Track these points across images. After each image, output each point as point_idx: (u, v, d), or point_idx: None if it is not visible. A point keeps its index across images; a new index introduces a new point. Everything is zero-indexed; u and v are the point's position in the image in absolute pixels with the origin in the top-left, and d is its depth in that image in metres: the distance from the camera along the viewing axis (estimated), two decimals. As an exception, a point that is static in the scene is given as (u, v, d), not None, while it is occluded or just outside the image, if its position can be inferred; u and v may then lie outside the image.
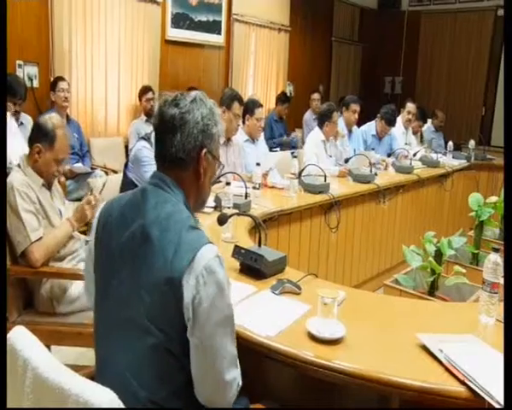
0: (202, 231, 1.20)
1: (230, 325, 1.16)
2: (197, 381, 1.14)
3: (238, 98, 3.44)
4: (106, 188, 2.82)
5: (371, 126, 4.93)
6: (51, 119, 2.12)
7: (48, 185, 2.16)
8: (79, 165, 4.09)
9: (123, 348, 1.15)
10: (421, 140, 5.87)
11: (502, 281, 1.54)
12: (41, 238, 2.01)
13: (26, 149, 2.16)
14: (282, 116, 6.31)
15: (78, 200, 3.58)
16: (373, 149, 4.47)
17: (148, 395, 1.12)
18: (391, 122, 4.77)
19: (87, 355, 2.25)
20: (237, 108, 3.41)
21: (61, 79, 4.21)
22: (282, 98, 6.26)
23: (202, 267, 1.09)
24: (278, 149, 5.51)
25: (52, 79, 4.33)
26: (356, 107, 4.57)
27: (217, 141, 1.27)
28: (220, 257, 1.14)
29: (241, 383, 1.20)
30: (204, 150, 1.23)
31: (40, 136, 2.08)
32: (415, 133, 5.61)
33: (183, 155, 1.21)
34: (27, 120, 3.71)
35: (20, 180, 2.02)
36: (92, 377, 1.23)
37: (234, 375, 1.16)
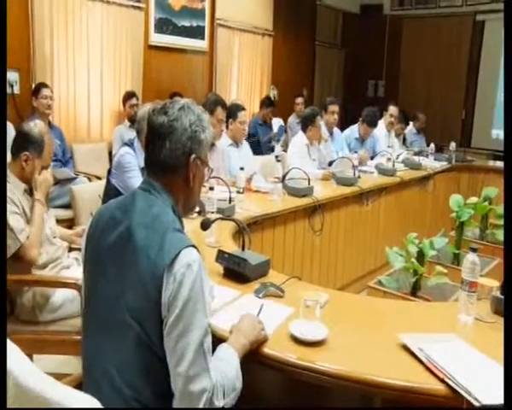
0: (186, 235, 1.23)
1: (202, 332, 1.14)
2: (172, 385, 1.15)
3: (221, 103, 3.45)
4: (90, 194, 2.80)
5: (354, 130, 4.99)
6: (37, 126, 2.13)
7: (30, 192, 2.15)
8: (63, 169, 4.03)
9: (109, 347, 1.18)
10: (404, 142, 5.95)
11: (480, 280, 1.58)
12: (28, 237, 2.02)
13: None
14: (267, 120, 6.34)
15: (62, 207, 3.57)
16: (356, 151, 4.52)
17: (132, 394, 1.14)
18: (372, 123, 4.85)
19: (70, 363, 2.24)
20: (220, 113, 3.43)
21: (43, 85, 4.14)
22: (266, 102, 6.29)
23: (182, 267, 1.13)
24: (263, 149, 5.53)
25: (34, 85, 4.29)
26: (334, 108, 4.61)
27: (205, 146, 1.32)
28: (201, 263, 1.17)
29: (218, 404, 1.14)
30: (193, 156, 1.27)
31: (28, 144, 2.09)
32: (397, 136, 5.68)
33: (172, 161, 1.25)
34: (9, 128, 3.65)
35: None
36: (75, 385, 1.23)
37: (202, 386, 1.12)
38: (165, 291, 1.12)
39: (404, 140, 5.99)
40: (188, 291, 1.12)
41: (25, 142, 2.09)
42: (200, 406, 1.12)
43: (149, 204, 1.23)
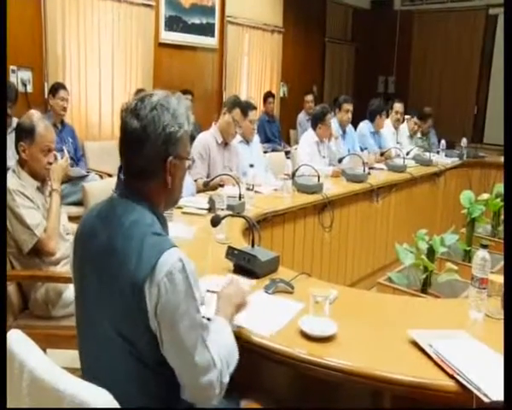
0: (166, 236, 1.20)
1: (198, 329, 1.14)
2: (180, 382, 1.16)
3: (241, 107, 3.47)
4: (102, 191, 2.83)
5: (370, 124, 4.97)
6: (29, 116, 2.15)
7: (42, 188, 2.18)
8: (74, 168, 4.08)
9: (99, 358, 1.19)
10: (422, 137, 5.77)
11: (490, 277, 1.57)
12: (45, 230, 2.06)
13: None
14: (270, 113, 6.32)
15: (74, 204, 3.61)
16: (366, 148, 4.52)
17: (127, 405, 1.12)
18: (381, 111, 4.94)
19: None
20: (238, 114, 3.44)
21: (62, 86, 4.13)
22: (266, 95, 6.34)
23: (164, 274, 1.09)
24: (270, 149, 5.52)
25: (46, 83, 4.34)
26: (348, 106, 4.60)
27: (184, 141, 1.23)
28: (184, 260, 1.13)
29: (226, 380, 1.18)
30: (169, 158, 1.20)
31: (21, 135, 2.12)
32: (414, 134, 5.54)
33: (148, 166, 1.20)
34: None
35: (15, 183, 2.07)
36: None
37: (210, 378, 1.14)
38: (150, 301, 1.09)
39: (424, 135, 5.82)
40: (175, 297, 1.09)
41: (19, 134, 2.13)
42: (216, 391, 1.16)
43: (128, 210, 1.19)
